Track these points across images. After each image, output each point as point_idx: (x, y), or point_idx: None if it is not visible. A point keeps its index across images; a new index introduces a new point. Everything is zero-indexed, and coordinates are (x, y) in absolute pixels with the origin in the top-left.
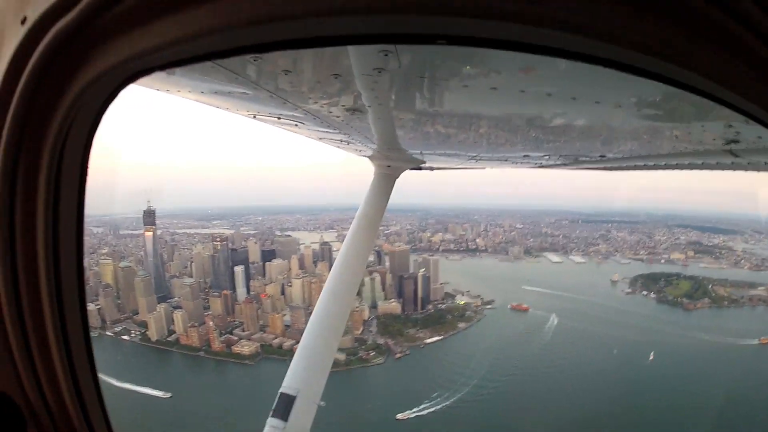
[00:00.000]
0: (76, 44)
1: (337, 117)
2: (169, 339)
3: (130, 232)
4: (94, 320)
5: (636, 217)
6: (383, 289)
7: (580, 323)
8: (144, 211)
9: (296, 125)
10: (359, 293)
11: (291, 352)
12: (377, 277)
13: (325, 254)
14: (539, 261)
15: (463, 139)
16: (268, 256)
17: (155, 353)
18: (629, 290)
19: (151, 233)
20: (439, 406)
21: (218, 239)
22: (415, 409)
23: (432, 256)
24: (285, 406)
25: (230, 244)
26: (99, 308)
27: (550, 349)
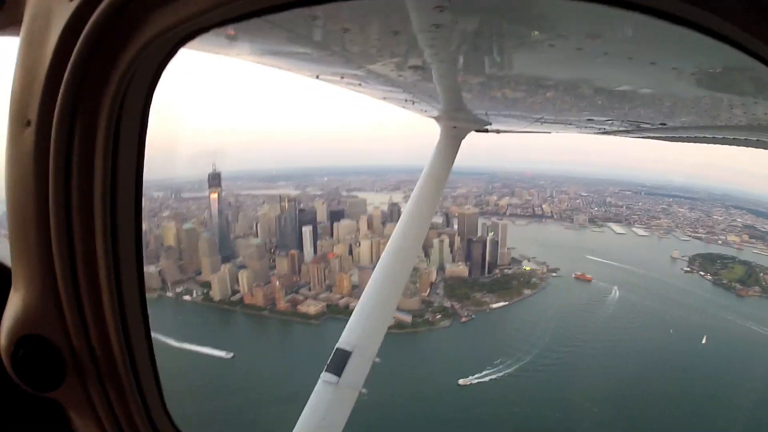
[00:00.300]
0: (131, 6)
1: (400, 76)
2: (232, 299)
3: (193, 195)
4: (155, 281)
5: (695, 193)
6: (451, 252)
7: (641, 298)
8: (209, 173)
9: (359, 84)
10: (427, 255)
11: (346, 309)
12: (445, 240)
13: (393, 215)
14: (603, 231)
15: (528, 101)
16: (336, 216)
17: (218, 313)
18: (688, 269)
19: (216, 195)
20: (500, 374)
21: (285, 199)
22: (477, 375)
23: (501, 220)
24: (340, 362)
25: (297, 205)
26: (160, 270)
27: (611, 322)
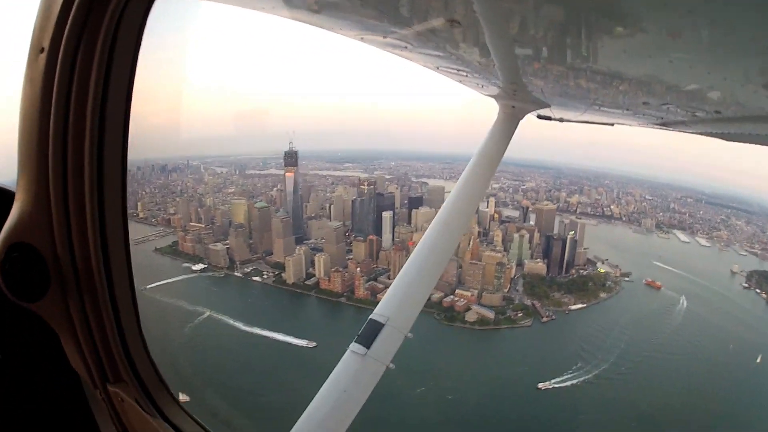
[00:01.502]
0: None
1: (444, 33)
2: (307, 282)
3: (258, 172)
4: (222, 259)
5: (749, 206)
6: (530, 248)
7: (705, 311)
8: (285, 151)
9: (405, 47)
10: (507, 249)
11: (439, 305)
12: (526, 235)
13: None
14: (669, 238)
15: (587, 80)
16: (414, 203)
17: (290, 297)
18: (746, 285)
19: (292, 174)
20: (578, 380)
21: (365, 183)
22: (556, 380)
23: (579, 219)
24: (371, 333)
25: (375, 189)
26: (228, 248)
27: (679, 333)
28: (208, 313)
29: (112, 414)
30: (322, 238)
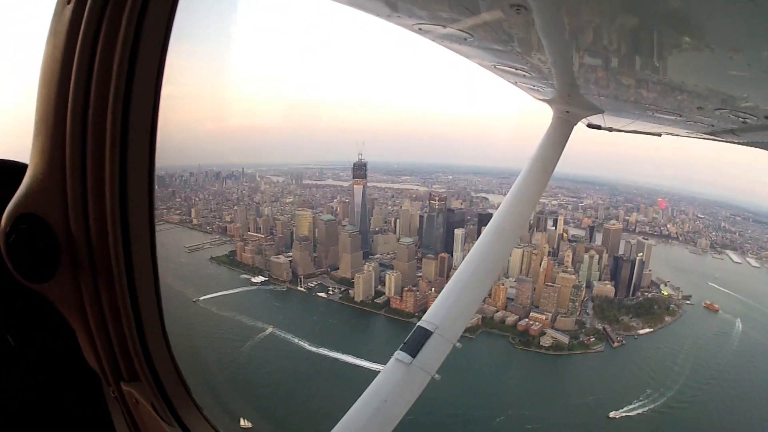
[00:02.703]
0: None
1: (504, 20)
2: (376, 301)
3: (315, 182)
4: (284, 272)
5: None
6: (599, 269)
7: (760, 334)
8: (354, 163)
9: (465, 39)
10: (577, 270)
11: (514, 328)
12: (595, 256)
13: (540, 223)
14: (723, 258)
15: (642, 78)
16: (485, 219)
17: (359, 315)
18: None
19: (361, 186)
20: (646, 408)
21: (435, 197)
22: (626, 408)
23: (646, 240)
24: (418, 341)
25: (446, 204)
26: (291, 260)
27: (737, 357)
28: (270, 330)
29: (126, 415)
30: (388, 254)
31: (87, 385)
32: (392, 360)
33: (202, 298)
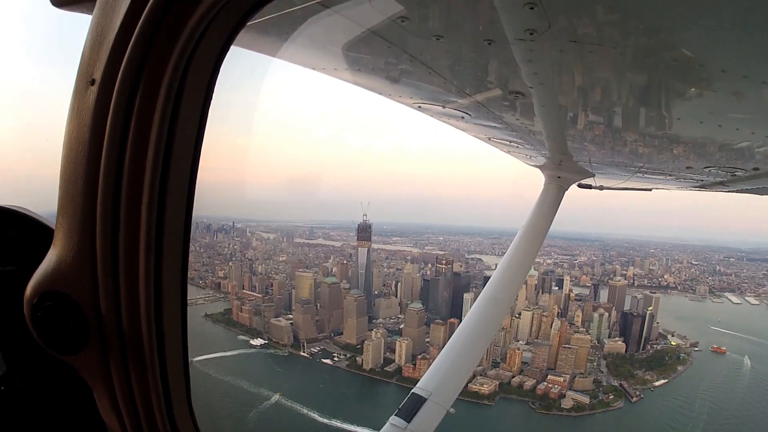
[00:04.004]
0: None
1: (501, 104)
2: (386, 369)
3: (306, 241)
4: (286, 335)
5: None
6: (608, 327)
7: (766, 366)
8: (359, 224)
9: (462, 117)
10: (587, 329)
11: (533, 392)
12: (604, 314)
13: (546, 284)
14: (723, 302)
15: (633, 147)
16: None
17: (370, 384)
18: None
19: (366, 247)
20: None
21: (442, 261)
22: None
23: (654, 293)
24: (412, 407)
25: (452, 267)
26: (292, 323)
27: (750, 395)
28: (276, 398)
29: None
30: (390, 318)
31: None
32: (387, 425)
33: (197, 358)
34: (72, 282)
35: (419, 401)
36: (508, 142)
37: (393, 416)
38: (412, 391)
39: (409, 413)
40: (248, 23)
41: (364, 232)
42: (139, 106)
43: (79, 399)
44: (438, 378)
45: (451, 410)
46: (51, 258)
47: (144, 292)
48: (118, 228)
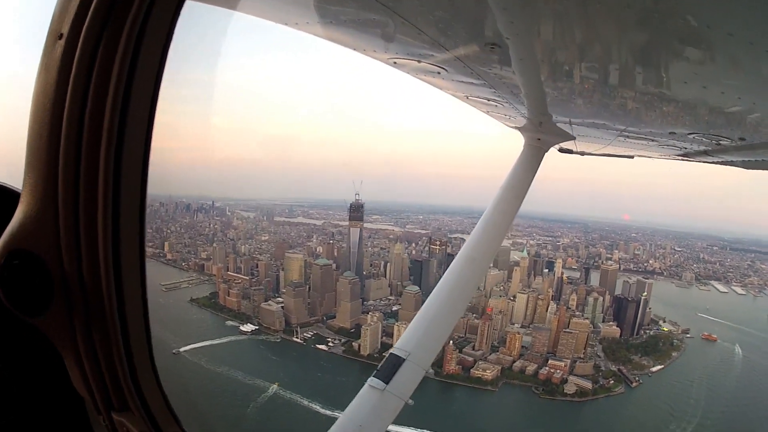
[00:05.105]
0: None
1: (477, 57)
2: (385, 354)
3: (286, 219)
4: (276, 321)
5: (766, 247)
6: (602, 311)
7: (758, 355)
8: (351, 203)
9: (438, 72)
10: (584, 311)
11: (535, 377)
12: (599, 298)
13: (538, 266)
14: (709, 289)
15: (616, 108)
16: None
17: (370, 371)
18: None
19: (358, 228)
20: None
21: (437, 242)
22: None
23: (647, 279)
24: (391, 368)
25: (445, 248)
26: (283, 307)
27: (745, 382)
28: (274, 389)
29: None
30: (380, 300)
31: (73, 411)
32: (366, 386)
33: (187, 348)
34: (37, 239)
35: (398, 362)
36: (486, 101)
37: (371, 377)
38: (390, 351)
39: (387, 374)
40: None
41: (356, 211)
42: (101, 59)
43: (56, 374)
44: (416, 338)
45: (430, 371)
46: (18, 215)
47: (103, 245)
48: (79, 181)
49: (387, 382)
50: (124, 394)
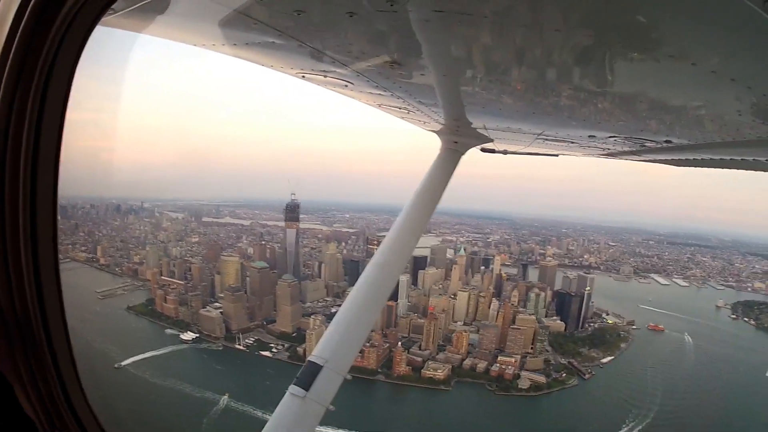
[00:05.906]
0: None
1: (379, 73)
2: None
3: (214, 220)
4: (217, 328)
5: (709, 241)
6: (544, 306)
7: (707, 342)
8: (287, 204)
9: (345, 85)
10: (526, 307)
11: (486, 374)
12: (541, 294)
13: (475, 264)
14: (649, 282)
15: (529, 112)
16: (419, 263)
17: None
18: (733, 316)
19: (294, 229)
20: (641, 427)
21: (374, 242)
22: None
23: (588, 273)
24: (310, 375)
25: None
26: (222, 312)
27: (701, 370)
28: (225, 400)
29: None
30: (319, 301)
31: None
32: (287, 395)
33: (129, 361)
34: None
35: (316, 369)
36: (398, 108)
37: (292, 385)
38: (308, 359)
39: (307, 381)
40: (131, 8)
41: (293, 212)
42: (23, 85)
43: (10, 398)
44: (332, 345)
45: (348, 377)
46: None
47: (28, 281)
48: (5, 230)
49: (307, 390)
50: (61, 413)
